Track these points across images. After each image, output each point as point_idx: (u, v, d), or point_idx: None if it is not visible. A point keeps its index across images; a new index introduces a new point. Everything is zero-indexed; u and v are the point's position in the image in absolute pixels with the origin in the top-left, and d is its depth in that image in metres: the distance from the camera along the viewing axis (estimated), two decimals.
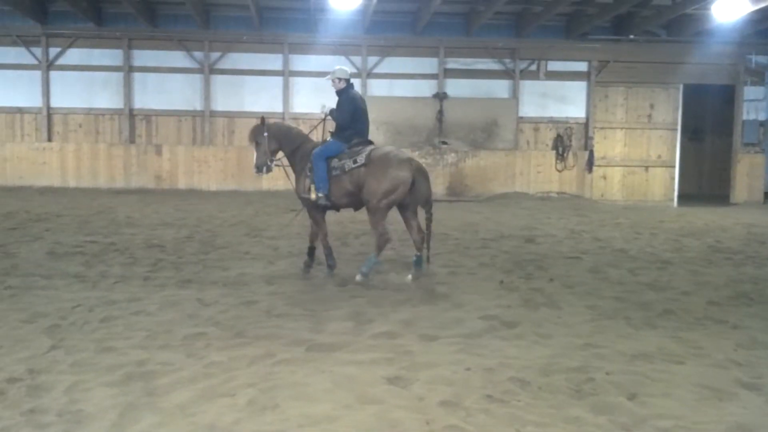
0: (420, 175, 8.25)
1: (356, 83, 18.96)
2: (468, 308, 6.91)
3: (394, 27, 19.44)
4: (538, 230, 12.91)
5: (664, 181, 20.16)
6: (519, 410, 4.37)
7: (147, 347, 5.48)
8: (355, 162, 8.21)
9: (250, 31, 19.16)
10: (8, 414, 4.17)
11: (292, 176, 8.82)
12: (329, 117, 8.67)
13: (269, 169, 8.78)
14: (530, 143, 19.85)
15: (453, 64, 19.53)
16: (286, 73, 19.28)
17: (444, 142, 19.40)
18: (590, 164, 19.56)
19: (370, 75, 19.42)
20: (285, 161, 8.93)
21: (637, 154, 20.08)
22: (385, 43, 19.33)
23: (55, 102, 19.17)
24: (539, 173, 19.48)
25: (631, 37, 19.40)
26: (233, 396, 4.50)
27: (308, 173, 8.40)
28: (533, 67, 19.66)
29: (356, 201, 8.47)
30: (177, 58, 19.23)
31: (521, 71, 19.56)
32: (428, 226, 8.39)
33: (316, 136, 9.09)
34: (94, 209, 14.44)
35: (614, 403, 4.55)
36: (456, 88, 19.51)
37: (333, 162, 8.32)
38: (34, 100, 19.13)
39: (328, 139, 8.68)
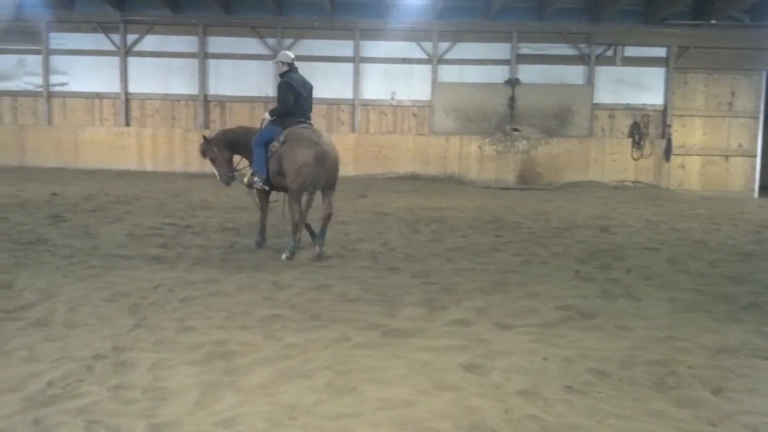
0: (319, 159, 8.27)
1: (427, 69, 19.21)
2: (543, 298, 6.82)
3: (466, 12, 19.23)
4: (614, 220, 12.64)
5: (745, 171, 19.41)
6: (600, 402, 4.29)
7: (226, 327, 5.58)
8: (279, 141, 8.50)
9: (323, 17, 19.25)
10: (95, 389, 4.30)
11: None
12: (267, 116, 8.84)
13: (233, 178, 9.35)
14: (605, 131, 19.39)
15: (526, 49, 19.21)
16: (357, 60, 19.31)
17: (515, 129, 19.15)
18: (668, 153, 18.99)
19: (440, 61, 19.27)
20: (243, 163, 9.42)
21: (717, 143, 19.40)
22: (457, 28, 19.15)
23: (133, 87, 19.67)
24: (614, 161, 19.03)
25: (713, 21, 18.72)
26: (311, 378, 4.54)
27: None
28: (609, 53, 19.16)
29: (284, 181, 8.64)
30: (250, 44, 19.47)
31: (597, 57, 19.09)
32: (329, 205, 8.72)
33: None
34: (171, 192, 14.79)
35: (698, 397, 4.43)
36: (529, 73, 19.19)
37: (270, 146, 8.57)
38: (113, 86, 19.67)
39: (264, 125, 8.87)
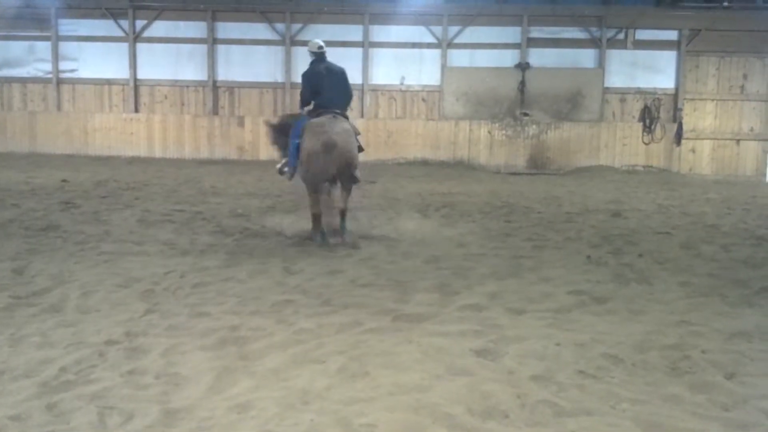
0: (325, 149, 8.10)
1: (437, 53, 19.09)
2: (556, 282, 6.80)
3: None
4: (625, 204, 12.57)
5: (757, 155, 19.22)
6: (614, 386, 4.28)
7: (238, 313, 5.59)
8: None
9: (332, 1, 19.15)
10: (108, 375, 4.32)
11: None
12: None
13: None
14: (616, 114, 19.24)
15: (537, 33, 19.04)
16: (366, 45, 19.21)
17: (526, 114, 19.02)
18: (679, 137, 18.85)
19: (450, 45, 19.14)
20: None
21: (729, 127, 19.23)
22: (467, 12, 18.99)
23: (142, 74, 19.63)
24: (625, 146, 18.90)
25: (725, 4, 18.54)
26: (324, 362, 4.55)
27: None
28: (621, 36, 18.97)
29: None
30: (259, 30, 19.37)
31: (608, 40, 18.89)
32: (344, 199, 8.59)
33: None
34: (181, 179, 14.80)
35: (712, 382, 4.41)
36: (539, 57, 19.02)
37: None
38: (122, 72, 19.62)
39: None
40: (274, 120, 9.52)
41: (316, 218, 8.42)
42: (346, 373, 4.39)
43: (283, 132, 9.18)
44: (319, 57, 8.78)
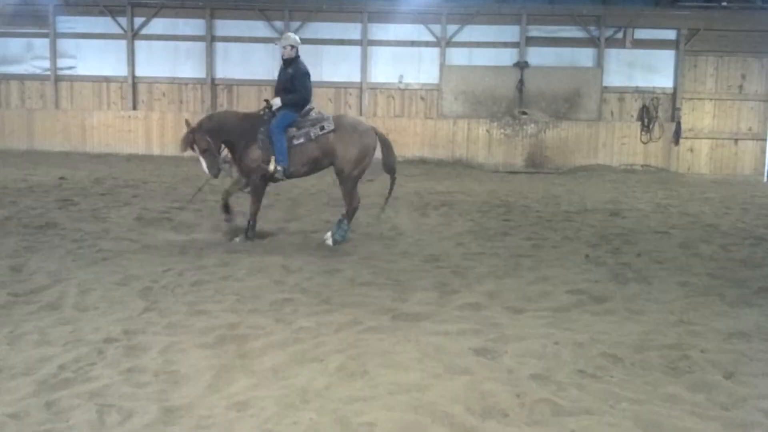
0: (384, 144, 8.71)
1: (435, 52, 19.11)
2: (554, 282, 6.80)
3: None
4: (624, 204, 12.58)
5: (755, 155, 19.26)
6: (613, 386, 4.28)
7: (237, 311, 5.59)
8: (322, 128, 8.36)
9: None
10: (108, 373, 4.31)
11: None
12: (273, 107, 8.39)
13: (222, 170, 8.49)
14: (614, 114, 19.26)
15: (535, 32, 19.04)
16: (365, 43, 19.20)
17: (524, 113, 19.02)
18: (677, 136, 18.86)
19: (449, 44, 19.14)
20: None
21: (727, 126, 19.25)
22: (466, 10, 18.99)
23: (140, 71, 19.62)
24: (623, 145, 18.90)
25: (724, 4, 18.56)
26: (323, 361, 4.55)
27: (260, 145, 8.23)
28: (619, 35, 18.98)
29: (317, 167, 8.64)
30: (258, 27, 19.37)
31: (607, 39, 18.91)
32: (391, 188, 8.96)
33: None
34: (179, 176, 14.76)
35: (712, 381, 4.42)
36: (538, 56, 19.03)
37: (290, 132, 8.34)
38: (120, 69, 19.62)
39: (266, 110, 8.45)
40: (207, 120, 8.25)
41: (354, 213, 8.69)
42: (346, 372, 4.39)
43: (219, 134, 8.13)
44: (297, 53, 8.68)
